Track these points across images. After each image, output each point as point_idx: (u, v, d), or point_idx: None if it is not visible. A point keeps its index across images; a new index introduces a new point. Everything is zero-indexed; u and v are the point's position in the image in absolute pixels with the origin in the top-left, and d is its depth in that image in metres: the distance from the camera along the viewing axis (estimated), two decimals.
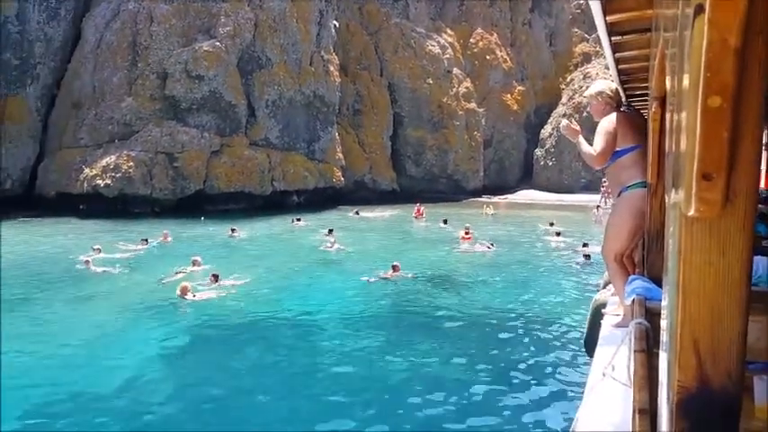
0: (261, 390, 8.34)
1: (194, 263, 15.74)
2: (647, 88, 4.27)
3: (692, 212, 0.85)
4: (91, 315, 11.92)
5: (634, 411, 1.45)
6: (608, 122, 3.39)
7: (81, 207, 26.72)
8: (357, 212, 28.76)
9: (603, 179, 35.93)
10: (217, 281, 13.61)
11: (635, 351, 2.02)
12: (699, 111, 0.83)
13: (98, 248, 17.31)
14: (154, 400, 8.07)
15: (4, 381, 8.25)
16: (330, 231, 20.80)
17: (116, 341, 10.33)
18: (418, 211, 29.06)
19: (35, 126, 29.31)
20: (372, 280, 14.91)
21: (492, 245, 19.56)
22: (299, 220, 24.83)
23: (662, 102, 3.31)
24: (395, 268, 15.47)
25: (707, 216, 0.84)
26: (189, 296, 12.52)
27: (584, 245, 18.88)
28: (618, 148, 3.35)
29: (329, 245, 19.15)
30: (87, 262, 15.66)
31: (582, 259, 17.46)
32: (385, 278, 15.14)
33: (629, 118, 3.49)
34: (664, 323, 1.17)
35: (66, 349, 9.84)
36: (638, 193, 3.28)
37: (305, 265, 17.07)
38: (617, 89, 3.62)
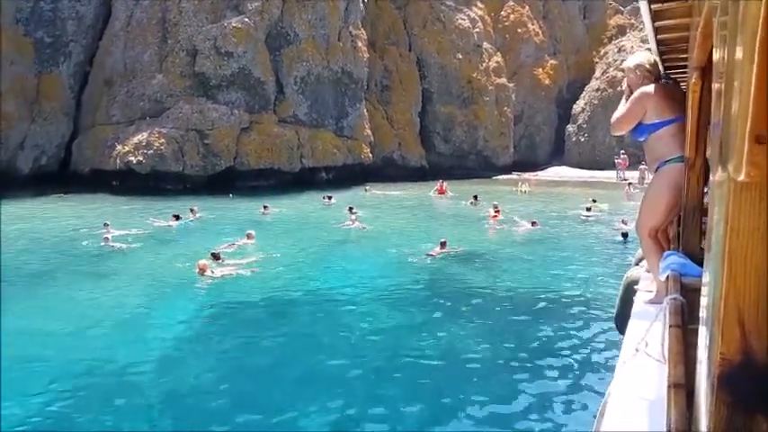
0: (286, 365, 8.49)
1: (248, 236, 16.09)
2: (685, 59, 4.11)
3: (741, 177, 0.82)
4: (121, 291, 12.20)
5: (669, 386, 1.42)
6: (640, 93, 3.26)
7: (114, 183, 27.28)
8: (366, 189, 28.65)
9: (622, 151, 35.49)
10: (217, 259, 13.57)
11: (670, 326, 1.98)
12: (754, 76, 0.80)
13: (107, 224, 17.28)
14: (182, 373, 8.29)
15: (33, 353, 8.55)
16: (351, 209, 20.79)
17: (145, 316, 10.58)
18: (441, 187, 28.83)
19: (69, 103, 29.88)
20: (421, 258, 14.82)
21: (535, 222, 19.34)
22: (329, 197, 24.89)
23: (702, 72, 3.18)
24: (443, 245, 15.35)
25: (757, 181, 0.81)
26: (208, 273, 12.63)
27: (623, 222, 18.58)
28: (656, 120, 3.21)
29: (350, 222, 19.19)
30: (106, 239, 15.90)
31: (619, 237, 17.20)
32: (432, 255, 15.04)
33: (668, 90, 3.34)
34: (705, 297, 1.13)
35: (96, 324, 10.12)
36: (677, 168, 3.15)
37: (329, 242, 17.18)
38: (656, 61, 3.46)
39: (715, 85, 1.37)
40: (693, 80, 3.03)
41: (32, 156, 28.33)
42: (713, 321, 0.95)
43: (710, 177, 1.32)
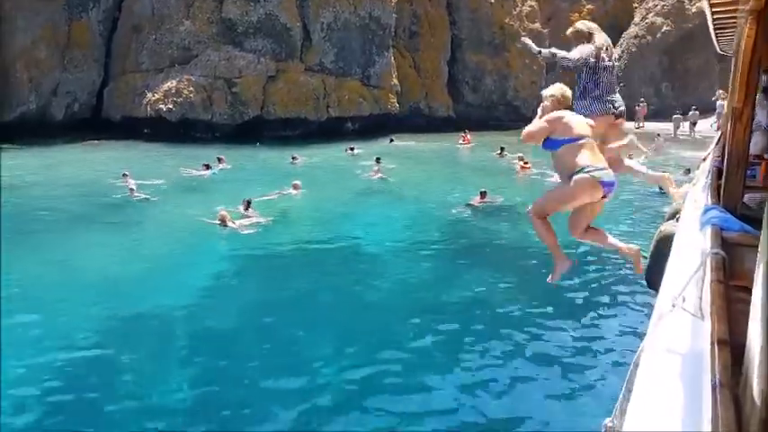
0: (310, 312, 8.65)
1: (294, 186, 16.23)
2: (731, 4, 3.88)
3: None
4: (148, 240, 12.44)
5: (713, 343, 1.39)
6: (553, 115, 3.93)
7: (145, 131, 27.55)
8: (392, 140, 28.37)
9: (642, 99, 34.48)
10: (248, 208, 13.70)
11: (711, 281, 1.94)
12: None
13: (127, 174, 17.36)
14: (210, 317, 8.53)
15: (60, 298, 8.86)
16: (378, 160, 20.66)
17: (171, 264, 10.80)
18: (465, 138, 28.37)
19: (99, 50, 29.92)
20: (458, 209, 14.76)
21: None
22: (352, 149, 24.75)
23: (758, 16, 3.00)
24: (482, 195, 15.24)
25: None
26: (229, 224, 12.75)
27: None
28: (566, 137, 3.82)
29: (374, 173, 19.12)
30: (131, 190, 16.09)
31: (655, 189, 16.83)
32: (472, 205, 14.98)
33: (575, 117, 3.96)
34: (762, 255, 1.09)
35: (122, 272, 10.39)
36: (586, 177, 3.73)
37: (354, 193, 17.18)
38: (568, 94, 4.06)
39: None
40: (748, 24, 2.87)
41: (65, 103, 28.66)
42: None
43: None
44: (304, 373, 6.80)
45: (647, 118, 35.33)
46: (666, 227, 6.20)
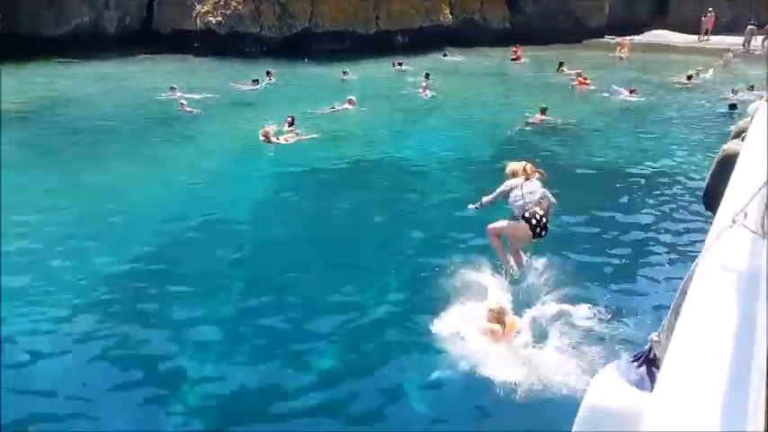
0: (354, 229, 8.78)
1: (349, 102, 16.21)
2: None
3: None
4: (198, 153, 12.69)
5: None
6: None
7: (195, 45, 27.51)
8: (445, 54, 27.36)
9: (710, 9, 31.61)
10: (292, 124, 13.69)
11: None
12: None
13: (175, 87, 17.63)
14: (260, 228, 8.79)
15: (128, 208, 9.25)
16: (427, 75, 20.06)
17: (219, 180, 11.04)
18: (516, 52, 27.10)
19: None
20: (517, 127, 14.42)
21: (634, 91, 18.12)
22: (400, 64, 24.09)
23: None
24: (543, 111, 14.78)
25: None
26: (272, 139, 12.80)
27: (733, 91, 17.01)
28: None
29: (422, 90, 18.65)
30: (182, 104, 16.26)
31: (724, 109, 15.91)
32: (531, 122, 14.60)
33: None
34: None
35: (172, 184, 10.70)
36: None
37: (402, 110, 16.90)
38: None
39: None
40: None
41: (117, 16, 28.71)
42: None
43: None
44: (355, 288, 7.00)
45: (717, 31, 32.63)
46: (731, 145, 5.86)
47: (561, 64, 23.23)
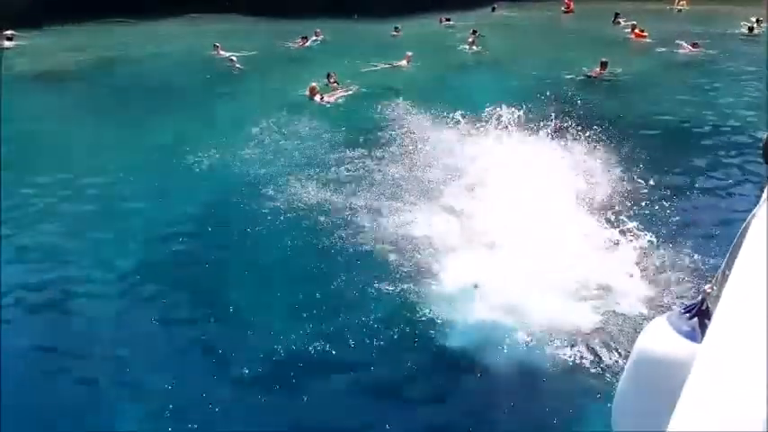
0: (394, 181, 8.85)
1: (407, 58, 16.17)
2: None
3: None
4: (245, 110, 12.89)
5: None
6: None
7: (245, 2, 27.44)
8: (494, 8, 26.47)
9: None
10: (335, 81, 13.78)
11: None
12: None
13: (218, 45, 17.89)
14: (302, 183, 8.99)
15: (178, 168, 9.59)
16: (474, 32, 19.54)
17: (268, 138, 11.19)
18: (568, 5, 25.94)
19: None
20: (574, 82, 14.06)
21: (696, 44, 17.29)
22: (448, 19, 23.52)
23: None
24: (603, 65, 14.33)
25: None
26: (317, 98, 12.85)
27: None
28: None
29: (468, 45, 18.23)
30: (232, 61, 16.42)
31: None
32: (592, 76, 14.22)
33: None
34: None
35: (215, 140, 10.92)
36: None
37: (449, 66, 16.59)
38: None
39: None
40: None
41: None
42: None
43: None
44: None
45: None
46: None
47: (617, 15, 22.18)
